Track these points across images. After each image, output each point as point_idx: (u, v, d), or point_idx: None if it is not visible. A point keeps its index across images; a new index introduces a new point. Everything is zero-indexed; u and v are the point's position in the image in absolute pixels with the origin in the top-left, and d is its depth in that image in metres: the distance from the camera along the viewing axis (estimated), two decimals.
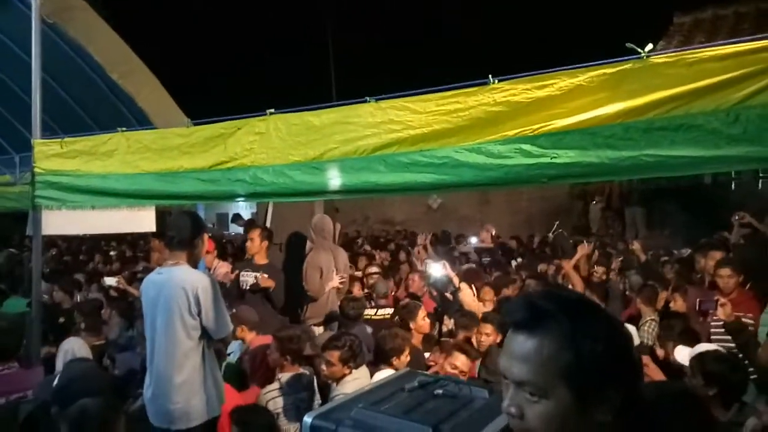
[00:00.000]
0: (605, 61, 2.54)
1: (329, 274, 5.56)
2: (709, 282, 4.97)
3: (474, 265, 7.71)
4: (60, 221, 4.73)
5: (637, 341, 4.21)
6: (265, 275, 5.12)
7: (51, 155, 4.45)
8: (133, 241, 13.29)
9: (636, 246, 6.88)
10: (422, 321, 4.71)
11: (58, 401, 2.69)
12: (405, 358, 3.78)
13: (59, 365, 4.29)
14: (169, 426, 3.18)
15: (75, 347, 4.52)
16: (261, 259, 5.35)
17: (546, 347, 1.07)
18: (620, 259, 7.23)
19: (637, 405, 1.13)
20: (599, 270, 6.47)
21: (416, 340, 4.55)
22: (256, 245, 5.33)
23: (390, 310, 5.29)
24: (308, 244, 5.79)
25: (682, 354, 3.41)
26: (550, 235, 10.34)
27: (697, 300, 4.31)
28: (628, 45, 2.48)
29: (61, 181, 4.41)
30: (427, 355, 4.59)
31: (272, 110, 3.51)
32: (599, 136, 2.51)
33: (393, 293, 6.42)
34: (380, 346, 3.85)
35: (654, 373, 3.61)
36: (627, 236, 12.30)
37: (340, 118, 3.27)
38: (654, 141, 2.44)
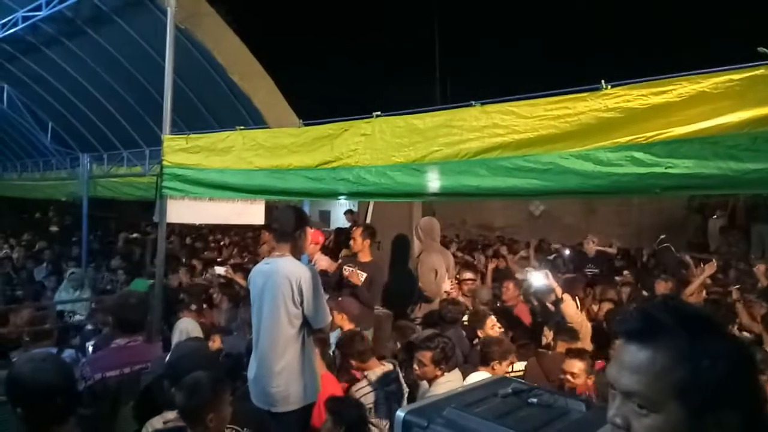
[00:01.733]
0: (732, 66, 2.37)
1: (443, 275, 5.62)
2: None
3: (576, 275, 7.40)
4: (182, 210, 5.16)
5: None
6: (358, 271, 5.26)
7: (177, 150, 4.86)
8: (242, 233, 14.12)
9: (761, 268, 6.28)
10: (491, 330, 4.61)
11: (170, 375, 2.94)
12: (503, 366, 3.76)
13: (174, 342, 4.68)
14: (269, 408, 3.36)
15: (189, 327, 4.90)
16: (365, 257, 5.48)
17: (660, 360, 1.03)
18: (737, 283, 6.63)
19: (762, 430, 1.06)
20: (717, 290, 5.98)
21: None
22: (359, 243, 5.48)
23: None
24: (416, 244, 5.88)
25: None
26: (656, 246, 9.66)
27: None
28: (761, 50, 2.30)
29: (185, 174, 4.81)
30: (522, 364, 4.48)
31: (378, 113, 3.61)
32: (721, 146, 2.35)
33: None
34: (482, 348, 3.88)
35: None
36: (752, 256, 11.28)
37: (445, 122, 3.30)
38: None
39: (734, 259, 10.25)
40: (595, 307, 5.95)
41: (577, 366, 3.68)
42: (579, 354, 3.82)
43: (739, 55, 2.39)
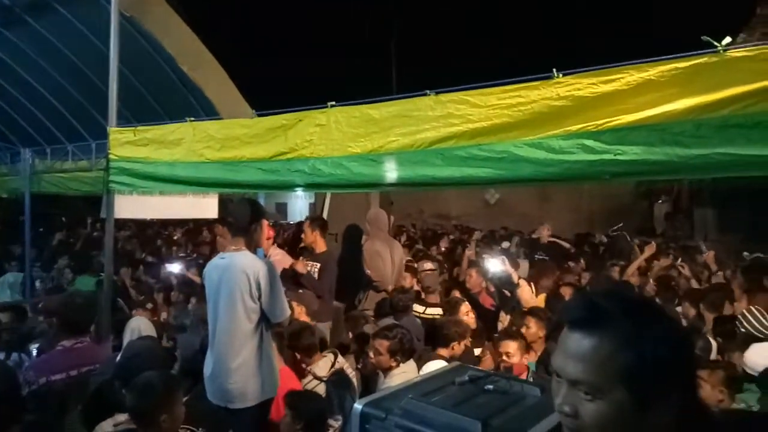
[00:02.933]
0: (678, 55, 2.43)
1: (387, 261, 5.62)
2: None
3: (547, 259, 7.54)
4: (131, 206, 4.98)
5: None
6: (308, 263, 5.23)
7: (124, 143, 4.68)
8: (197, 227, 13.81)
9: (710, 255, 6.54)
10: (465, 316, 4.66)
11: (120, 375, 2.84)
12: (461, 346, 3.86)
13: (126, 342, 4.54)
14: (226, 404, 3.30)
15: (141, 325, 4.76)
16: (319, 248, 5.46)
17: (605, 347, 1.05)
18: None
19: (698, 411, 1.09)
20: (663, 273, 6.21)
21: None
22: (309, 236, 5.45)
23: (440, 310, 5.27)
24: (364, 236, 5.87)
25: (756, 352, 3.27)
26: (610, 233, 9.96)
27: None
28: (704, 38, 2.36)
29: (132, 168, 4.64)
30: (478, 350, 4.55)
31: (333, 103, 3.56)
32: (668, 133, 2.41)
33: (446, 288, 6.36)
34: (441, 330, 3.95)
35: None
36: (696, 239, 11.76)
37: (400, 112, 3.28)
38: (728, 139, 2.32)
39: (679, 242, 10.67)
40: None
41: (511, 346, 3.83)
42: (512, 335, 3.98)
43: (685, 44, 2.45)
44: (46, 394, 3.13)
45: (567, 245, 9.05)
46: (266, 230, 4.44)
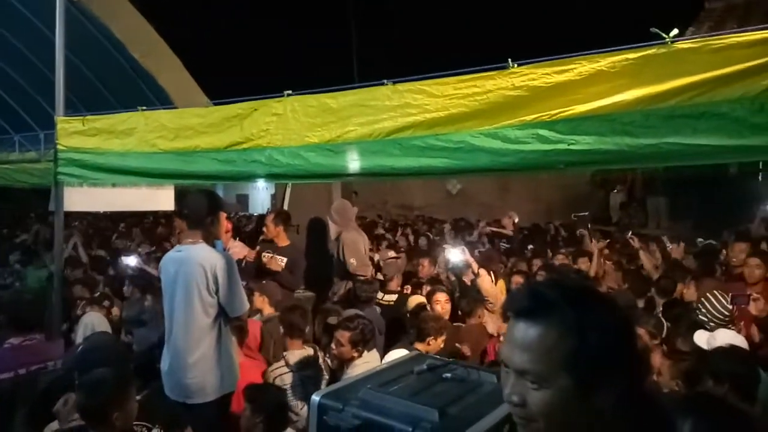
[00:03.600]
0: (628, 46, 2.49)
1: (364, 253, 5.63)
2: (728, 274, 4.89)
3: (490, 248, 7.66)
4: (82, 198, 4.82)
5: None
6: (277, 257, 5.18)
7: (73, 133, 4.51)
8: (155, 219, 13.49)
9: (675, 249, 6.75)
10: (437, 305, 4.67)
11: (78, 369, 2.76)
12: (438, 342, 3.87)
13: (79, 338, 4.41)
14: (184, 400, 3.24)
15: (95, 321, 4.63)
16: (282, 242, 5.40)
17: (548, 336, 1.06)
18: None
19: (642, 396, 1.12)
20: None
21: None
22: (272, 229, 5.40)
23: (395, 296, 5.30)
24: (331, 227, 5.83)
25: (701, 338, 3.39)
26: (573, 218, 10.16)
27: (730, 294, 4.22)
28: (653, 30, 2.42)
29: (82, 159, 4.49)
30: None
31: (290, 92, 3.51)
32: (618, 123, 2.47)
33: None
34: (419, 324, 3.96)
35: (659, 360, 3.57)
36: (649, 226, 12.14)
37: (357, 101, 3.26)
38: (675, 129, 2.39)
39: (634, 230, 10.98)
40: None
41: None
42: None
43: (635, 35, 2.50)
44: None
45: (508, 232, 9.22)
46: (224, 222, 4.36)
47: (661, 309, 4.80)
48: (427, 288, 5.36)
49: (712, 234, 7.58)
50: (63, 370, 3.04)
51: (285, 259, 5.20)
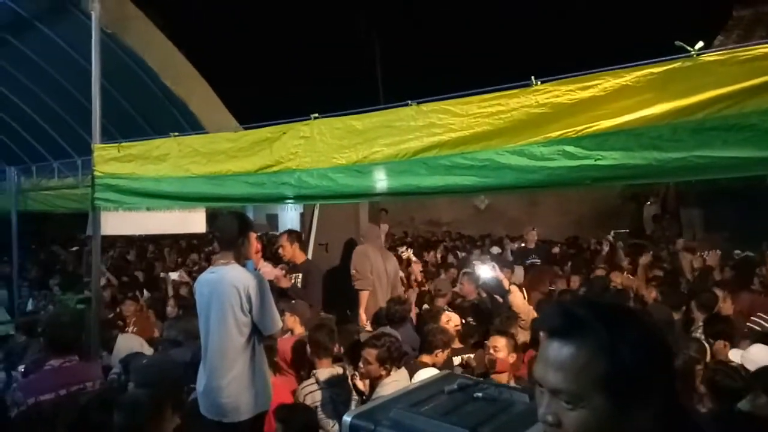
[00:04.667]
0: (653, 60, 2.47)
1: (378, 269, 5.62)
2: (766, 287, 4.75)
3: (542, 265, 7.61)
4: (118, 222, 4.97)
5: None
6: (288, 276, 5.22)
7: (109, 159, 4.66)
8: (188, 242, 13.73)
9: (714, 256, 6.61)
10: (446, 325, 4.64)
11: (117, 392, 2.83)
12: (444, 354, 3.95)
13: (115, 360, 4.50)
14: (220, 419, 3.28)
15: (132, 343, 4.74)
16: (298, 259, 5.46)
17: (581, 355, 1.06)
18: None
19: (681, 415, 1.11)
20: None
21: None
22: (288, 249, 5.46)
23: None
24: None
25: (735, 355, 3.30)
26: (610, 238, 9.94)
27: None
28: (677, 43, 2.41)
29: (118, 184, 4.62)
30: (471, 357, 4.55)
31: (316, 114, 3.57)
32: (645, 137, 2.45)
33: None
34: (426, 337, 4.03)
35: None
36: (684, 238, 11.83)
37: (383, 122, 3.30)
38: (704, 142, 2.36)
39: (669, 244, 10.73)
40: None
41: (499, 341, 3.83)
42: (504, 332, 4.00)
43: (659, 49, 2.49)
44: (34, 415, 3.10)
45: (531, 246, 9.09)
46: (254, 243, 4.44)
47: (701, 325, 4.68)
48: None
49: (749, 246, 7.37)
50: (102, 391, 3.11)
51: (300, 275, 5.26)
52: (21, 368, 4.24)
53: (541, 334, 1.16)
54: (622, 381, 1.04)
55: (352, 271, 5.57)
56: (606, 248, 8.66)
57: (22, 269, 8.64)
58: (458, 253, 10.82)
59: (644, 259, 6.46)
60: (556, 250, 10.49)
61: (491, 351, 3.84)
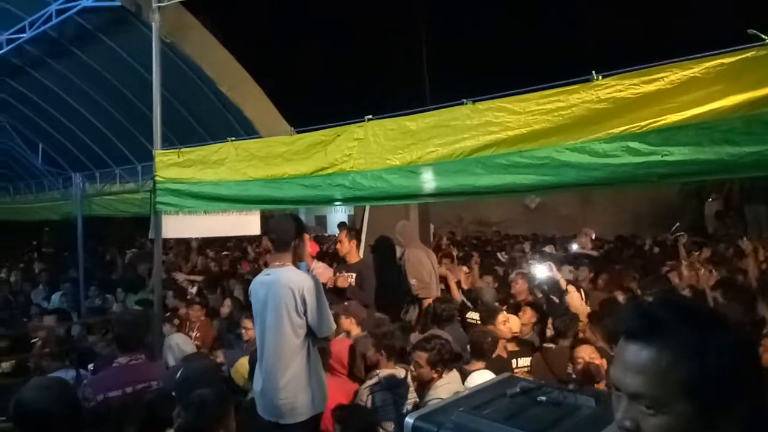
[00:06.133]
0: (723, 50, 2.36)
1: (429, 270, 5.61)
2: None
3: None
4: (177, 225, 5.13)
5: None
6: (345, 274, 5.24)
7: (170, 164, 4.82)
8: (239, 243, 14.01)
9: None
10: (502, 326, 4.57)
11: (180, 392, 2.91)
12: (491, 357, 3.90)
13: (169, 359, 4.65)
14: (277, 420, 3.32)
15: (180, 342, 4.88)
16: (353, 258, 5.49)
17: (665, 358, 1.01)
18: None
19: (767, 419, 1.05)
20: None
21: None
22: (346, 245, 5.49)
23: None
24: (398, 248, 5.87)
25: None
26: (669, 236, 9.57)
27: None
28: (750, 32, 2.28)
29: (178, 188, 4.77)
30: (527, 360, 4.46)
31: (370, 116, 3.59)
32: (716, 131, 2.34)
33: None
34: (477, 341, 3.96)
35: None
36: (749, 236, 11.29)
37: (437, 122, 3.28)
38: None
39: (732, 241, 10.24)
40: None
41: (586, 351, 3.67)
42: (584, 341, 3.89)
43: (730, 39, 2.37)
44: (103, 411, 3.22)
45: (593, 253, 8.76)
46: (309, 244, 4.49)
47: None
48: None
49: None
50: (164, 389, 3.20)
51: (354, 275, 5.28)
52: (90, 366, 4.45)
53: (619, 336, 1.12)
54: (707, 385, 0.99)
55: (412, 281, 5.53)
56: (673, 246, 8.31)
57: (88, 271, 9.04)
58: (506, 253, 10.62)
59: (705, 255, 6.18)
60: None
61: (578, 360, 3.66)
